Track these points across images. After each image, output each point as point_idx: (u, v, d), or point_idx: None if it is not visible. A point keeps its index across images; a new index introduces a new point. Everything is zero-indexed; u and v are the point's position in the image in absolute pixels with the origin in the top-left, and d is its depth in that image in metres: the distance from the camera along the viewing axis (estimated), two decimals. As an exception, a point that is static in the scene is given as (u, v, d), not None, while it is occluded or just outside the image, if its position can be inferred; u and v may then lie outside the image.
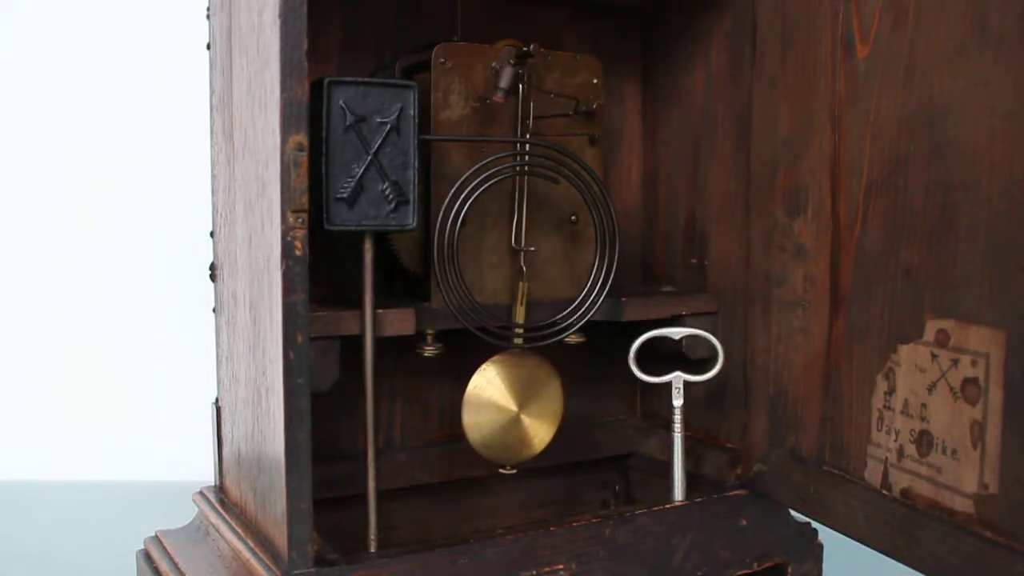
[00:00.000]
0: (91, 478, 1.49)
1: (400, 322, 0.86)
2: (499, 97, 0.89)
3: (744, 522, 0.95)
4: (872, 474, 0.84)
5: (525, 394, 0.93)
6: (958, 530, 0.75)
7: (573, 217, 0.97)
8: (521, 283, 0.92)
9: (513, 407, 0.93)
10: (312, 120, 0.76)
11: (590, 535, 0.87)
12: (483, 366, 0.92)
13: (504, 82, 0.89)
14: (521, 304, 0.92)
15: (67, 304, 1.52)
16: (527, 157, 0.92)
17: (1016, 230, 0.70)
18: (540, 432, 0.94)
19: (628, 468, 1.16)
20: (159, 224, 1.51)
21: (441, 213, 0.87)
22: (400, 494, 1.02)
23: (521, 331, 0.92)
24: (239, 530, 0.85)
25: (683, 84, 1.09)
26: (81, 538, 1.25)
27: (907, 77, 0.79)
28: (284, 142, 0.71)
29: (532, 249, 0.94)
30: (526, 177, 0.93)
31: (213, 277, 0.95)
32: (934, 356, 0.77)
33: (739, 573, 0.95)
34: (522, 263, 0.93)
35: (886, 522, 0.81)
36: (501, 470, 0.95)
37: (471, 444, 0.92)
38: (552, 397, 0.95)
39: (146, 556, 0.96)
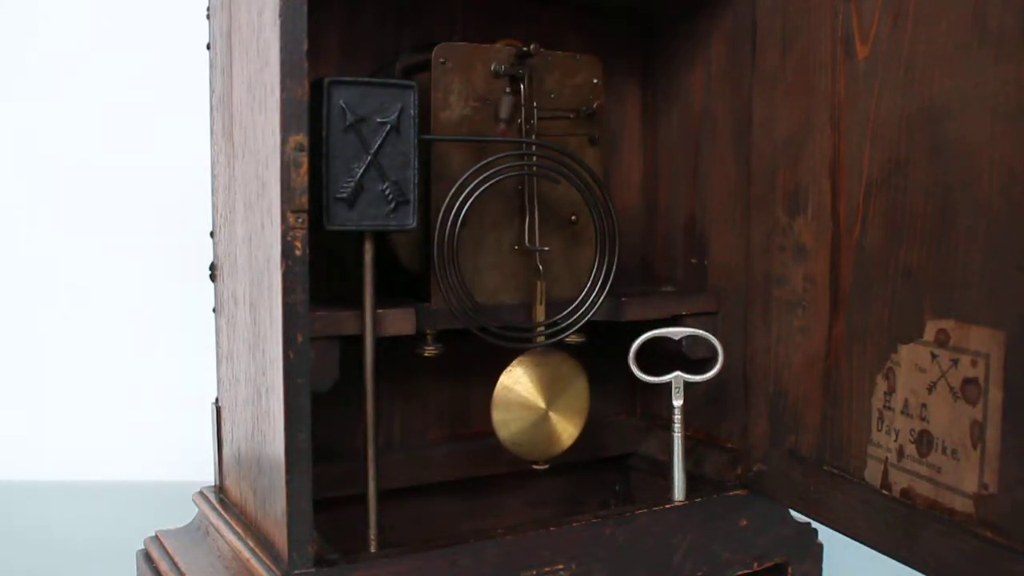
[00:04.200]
0: (91, 478, 1.49)
1: (400, 322, 0.87)
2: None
3: (744, 522, 0.95)
4: (872, 474, 0.84)
5: (552, 392, 0.94)
6: (958, 530, 0.75)
7: (573, 217, 0.97)
8: (539, 282, 0.93)
9: (541, 405, 0.94)
10: (312, 120, 0.76)
11: (590, 535, 0.87)
12: (510, 366, 0.93)
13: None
14: (541, 303, 0.92)
15: (67, 304, 1.52)
16: (528, 157, 0.92)
17: (1016, 230, 0.70)
18: (568, 428, 0.96)
19: (628, 468, 1.16)
20: (159, 224, 1.51)
21: (441, 213, 0.87)
22: (400, 494, 1.02)
23: (520, 332, 0.92)
24: (239, 530, 0.85)
25: (683, 84, 1.09)
26: (81, 538, 1.25)
27: (907, 77, 0.79)
28: (284, 142, 0.71)
29: (547, 249, 0.94)
30: (534, 177, 0.93)
31: (213, 277, 0.95)
32: (934, 356, 0.77)
33: (739, 573, 0.95)
34: (538, 263, 0.93)
35: (886, 522, 0.81)
36: (534, 466, 0.96)
37: (501, 442, 0.93)
38: (578, 394, 0.96)
39: (146, 556, 0.96)
